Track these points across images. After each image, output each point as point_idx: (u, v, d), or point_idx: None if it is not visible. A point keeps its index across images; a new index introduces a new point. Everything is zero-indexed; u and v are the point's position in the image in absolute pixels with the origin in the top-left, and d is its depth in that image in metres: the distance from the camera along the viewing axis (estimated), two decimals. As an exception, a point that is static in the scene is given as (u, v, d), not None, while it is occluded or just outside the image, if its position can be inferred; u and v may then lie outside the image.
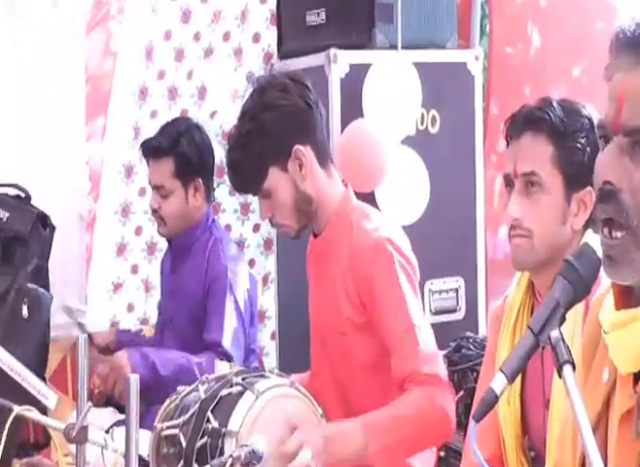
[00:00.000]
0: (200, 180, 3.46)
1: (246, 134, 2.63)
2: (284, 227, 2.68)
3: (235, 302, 3.36)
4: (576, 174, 2.17)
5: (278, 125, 2.60)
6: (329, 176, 2.68)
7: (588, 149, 2.17)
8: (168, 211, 3.46)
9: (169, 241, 3.60)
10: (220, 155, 4.95)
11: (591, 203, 2.17)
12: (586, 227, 2.22)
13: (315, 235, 2.72)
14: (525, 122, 2.20)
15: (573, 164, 2.17)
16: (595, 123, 2.15)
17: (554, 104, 2.20)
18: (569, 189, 2.19)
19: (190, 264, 3.48)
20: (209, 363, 3.19)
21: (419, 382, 2.47)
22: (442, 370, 2.53)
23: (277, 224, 2.69)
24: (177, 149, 3.43)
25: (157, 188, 3.47)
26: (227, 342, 3.29)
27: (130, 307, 4.81)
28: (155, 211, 3.51)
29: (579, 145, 2.18)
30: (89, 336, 3.48)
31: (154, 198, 3.49)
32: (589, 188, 2.15)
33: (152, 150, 3.50)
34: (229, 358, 3.22)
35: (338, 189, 2.69)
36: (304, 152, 2.62)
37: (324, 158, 2.68)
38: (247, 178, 2.66)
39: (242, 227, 5.06)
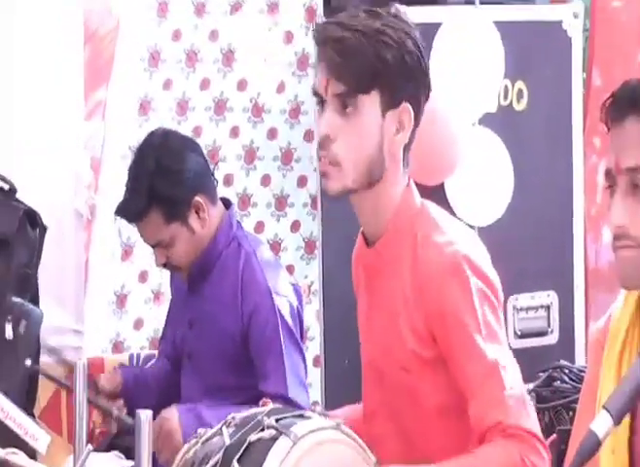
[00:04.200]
0: (197, 198, 3.46)
1: (376, 31, 2.59)
2: (339, 166, 2.61)
3: (288, 332, 3.36)
4: None
5: (410, 58, 2.61)
6: (404, 163, 2.68)
7: None
8: (179, 257, 3.47)
9: None
10: (249, 134, 5.03)
11: None
12: None
13: (368, 242, 2.72)
14: (628, 102, 2.16)
15: None
16: None
17: None
18: None
19: (216, 285, 3.48)
20: None
21: (508, 436, 2.46)
22: (535, 422, 2.51)
23: (333, 156, 2.61)
24: (155, 197, 3.44)
25: (156, 245, 3.50)
26: (293, 393, 3.30)
27: (138, 324, 4.85)
28: (164, 265, 3.55)
29: None
30: (93, 380, 3.52)
31: (157, 255, 3.51)
32: None
33: (131, 216, 3.53)
34: (292, 407, 3.19)
35: (404, 180, 2.67)
36: (412, 112, 2.63)
37: (412, 141, 2.68)
38: (352, 69, 2.59)
39: (278, 224, 5.09)
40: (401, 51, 2.61)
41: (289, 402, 3.22)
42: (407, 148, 2.67)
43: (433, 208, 2.71)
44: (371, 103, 2.61)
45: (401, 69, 2.62)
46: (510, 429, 2.46)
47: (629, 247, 2.17)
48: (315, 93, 2.65)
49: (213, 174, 3.66)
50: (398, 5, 2.92)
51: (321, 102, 2.64)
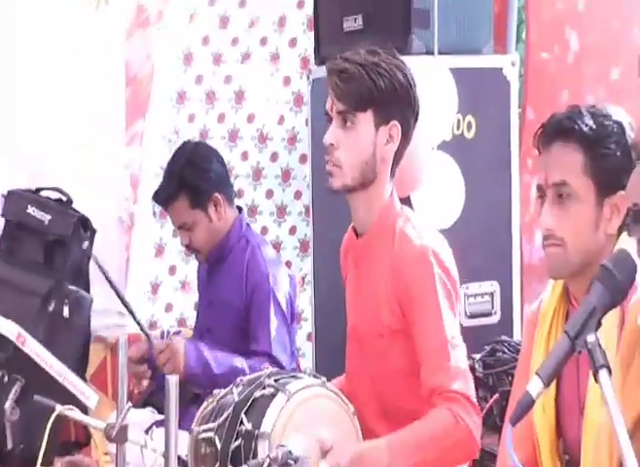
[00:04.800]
0: (217, 194, 3.44)
1: (373, 64, 2.60)
2: (340, 167, 2.61)
3: (279, 308, 3.35)
4: (608, 180, 2.15)
5: (399, 87, 2.61)
6: (391, 178, 2.67)
7: (619, 153, 2.15)
8: (198, 241, 3.46)
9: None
10: (256, 157, 5.02)
11: (624, 207, 2.15)
12: (620, 231, 2.20)
13: (358, 235, 2.70)
14: (554, 132, 2.17)
15: (604, 171, 2.14)
16: (626, 125, 2.16)
17: (583, 112, 2.17)
18: (601, 195, 2.16)
19: (227, 273, 3.46)
20: (260, 367, 3.14)
21: (446, 399, 2.45)
22: (470, 389, 2.50)
23: (336, 160, 2.61)
24: (184, 185, 3.42)
25: (180, 227, 3.48)
26: (276, 351, 3.28)
27: (168, 308, 4.84)
28: (187, 246, 3.53)
29: (609, 151, 2.15)
30: (149, 337, 3.50)
31: (182, 236, 3.50)
32: (622, 192, 2.11)
33: (163, 200, 3.50)
34: (280, 366, 3.19)
35: (388, 191, 2.66)
36: (400, 129, 2.63)
37: (397, 161, 2.67)
38: (351, 92, 2.60)
39: (279, 229, 5.08)
40: (392, 80, 2.60)
41: (272, 358, 3.22)
42: (396, 159, 2.66)
43: (410, 212, 2.71)
44: (366, 120, 2.60)
45: (392, 95, 2.60)
46: (449, 393, 2.46)
47: (555, 245, 2.17)
48: (325, 112, 2.64)
49: (232, 184, 3.64)
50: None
51: (329, 119, 2.63)
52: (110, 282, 3.34)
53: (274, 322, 3.33)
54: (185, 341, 3.33)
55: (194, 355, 3.27)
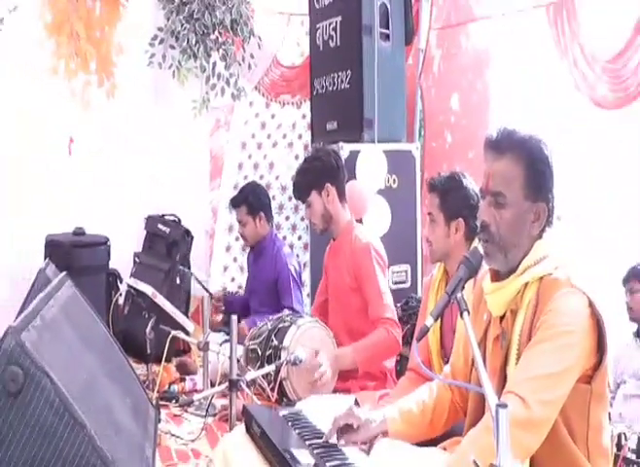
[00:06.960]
0: (262, 213, 3.40)
1: (304, 170, 2.64)
2: (315, 225, 2.66)
3: (295, 281, 3.32)
4: (452, 213, 2.19)
5: (320, 169, 2.61)
6: (343, 208, 2.68)
7: (459, 199, 2.18)
8: (247, 234, 3.43)
9: (251, 247, 3.56)
10: (280, 198, 5.00)
11: (462, 227, 2.20)
12: (466, 238, 2.20)
13: (334, 239, 2.71)
14: (428, 186, 2.23)
15: (450, 208, 2.19)
16: (465, 184, 2.18)
17: (442, 175, 2.22)
18: (448, 220, 2.20)
19: (264, 260, 3.41)
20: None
21: (383, 322, 2.47)
22: (395, 316, 2.52)
23: (312, 222, 2.67)
24: (247, 201, 3.38)
25: (239, 222, 3.46)
26: (295, 306, 3.24)
27: (233, 280, 4.81)
28: (241, 235, 3.50)
29: (452, 197, 2.19)
30: (211, 295, 3.47)
31: (240, 228, 3.47)
32: (461, 218, 2.18)
33: (234, 204, 3.47)
34: (297, 312, 3.15)
35: (347, 215, 2.69)
36: (331, 189, 2.61)
37: (342, 197, 2.68)
38: (300, 192, 2.64)
39: (292, 237, 5.07)
40: (324, 164, 2.59)
41: (293, 309, 3.18)
42: (341, 198, 2.64)
43: (360, 225, 2.72)
44: (314, 198, 2.61)
45: (322, 172, 2.59)
46: (384, 319, 2.46)
47: (428, 245, 2.22)
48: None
49: (272, 212, 3.62)
50: (342, 143, 2.89)
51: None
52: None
53: (293, 288, 3.31)
54: (245, 321, 3.22)
55: (250, 323, 3.22)
